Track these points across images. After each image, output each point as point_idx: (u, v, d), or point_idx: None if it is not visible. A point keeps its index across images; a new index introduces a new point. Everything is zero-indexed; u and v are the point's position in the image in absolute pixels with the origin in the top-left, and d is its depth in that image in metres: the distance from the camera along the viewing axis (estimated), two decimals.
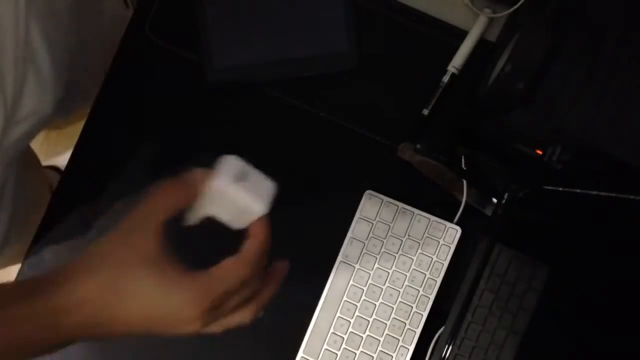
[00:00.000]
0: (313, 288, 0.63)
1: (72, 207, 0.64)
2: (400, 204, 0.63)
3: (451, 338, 0.61)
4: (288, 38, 0.65)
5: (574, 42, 0.52)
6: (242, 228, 0.43)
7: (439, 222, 0.63)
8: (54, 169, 1.12)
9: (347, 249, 0.63)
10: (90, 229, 0.64)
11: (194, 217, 0.44)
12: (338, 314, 0.62)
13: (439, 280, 0.63)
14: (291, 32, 0.65)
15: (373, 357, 0.62)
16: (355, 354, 0.62)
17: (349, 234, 0.63)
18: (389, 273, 0.63)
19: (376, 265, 0.63)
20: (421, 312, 0.62)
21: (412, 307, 0.62)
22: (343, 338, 0.62)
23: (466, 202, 0.63)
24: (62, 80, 0.60)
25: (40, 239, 0.64)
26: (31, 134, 0.59)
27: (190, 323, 0.40)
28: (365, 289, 0.63)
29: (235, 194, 0.40)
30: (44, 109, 0.57)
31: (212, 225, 0.45)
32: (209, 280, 0.41)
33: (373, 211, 0.63)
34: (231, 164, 0.41)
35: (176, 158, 0.65)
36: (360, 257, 0.63)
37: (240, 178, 0.40)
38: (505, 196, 0.59)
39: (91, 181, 0.65)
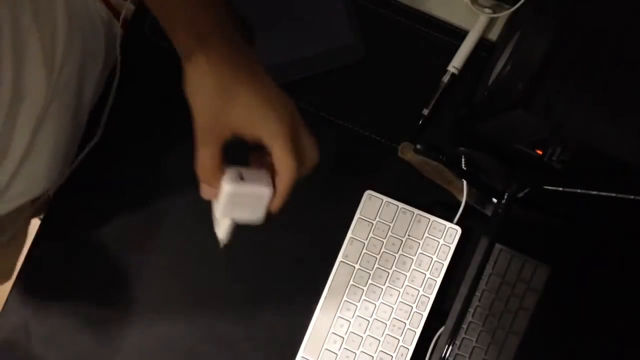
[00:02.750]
0: (313, 288, 0.63)
1: (72, 207, 0.64)
2: (400, 204, 0.63)
3: (451, 338, 0.61)
4: (293, 39, 0.65)
5: (574, 42, 0.52)
6: (263, 217, 0.51)
7: (439, 222, 0.63)
8: None
9: (347, 249, 0.63)
10: (90, 228, 0.64)
11: (223, 233, 0.52)
12: (338, 314, 0.62)
13: (439, 280, 0.62)
14: (295, 33, 0.65)
15: (373, 357, 0.62)
16: (355, 354, 0.62)
17: (349, 234, 0.63)
18: (388, 273, 0.63)
19: (376, 266, 0.63)
20: (421, 312, 0.62)
21: (412, 307, 0.62)
22: (343, 338, 0.62)
23: (466, 202, 0.63)
24: (58, 168, 0.62)
25: (40, 239, 0.64)
26: (17, 208, 0.60)
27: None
28: (365, 289, 0.63)
29: (242, 189, 0.48)
30: (34, 191, 0.60)
31: None
32: None
33: (373, 211, 0.63)
34: (232, 173, 0.48)
35: (177, 157, 0.65)
36: (360, 257, 0.63)
37: (241, 178, 0.48)
38: (505, 196, 0.59)
39: (91, 181, 0.65)
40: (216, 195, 0.49)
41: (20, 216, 0.65)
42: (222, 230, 0.52)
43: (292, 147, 0.46)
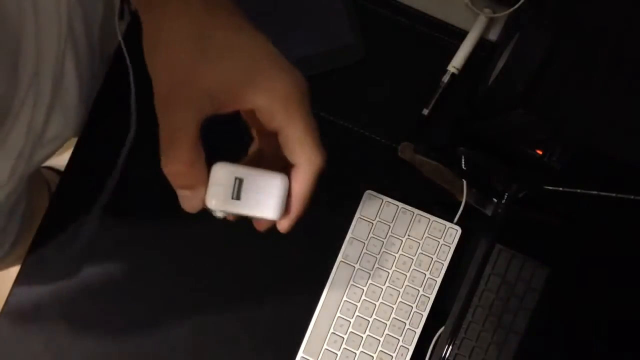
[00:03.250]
0: (313, 288, 0.63)
1: (72, 207, 0.64)
2: (400, 204, 0.63)
3: (451, 338, 0.61)
4: (293, 39, 0.65)
5: (574, 42, 0.52)
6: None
7: (439, 222, 0.63)
8: (53, 170, 1.12)
9: (347, 249, 0.63)
10: (89, 229, 0.64)
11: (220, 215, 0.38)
12: (338, 314, 0.62)
13: (439, 280, 0.62)
14: (295, 33, 0.65)
15: (373, 357, 0.62)
16: (355, 354, 0.62)
17: (349, 234, 0.63)
18: (389, 273, 0.63)
19: (376, 266, 0.63)
20: (421, 312, 0.62)
21: (412, 307, 0.62)
22: (343, 338, 0.62)
23: (466, 202, 0.63)
24: (86, 106, 0.62)
25: (40, 238, 0.64)
26: (52, 155, 0.60)
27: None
28: (365, 289, 0.63)
29: (239, 211, 0.34)
30: (68, 132, 0.59)
31: None
32: None
33: (373, 211, 0.63)
34: (223, 177, 0.33)
35: None
36: (360, 257, 0.63)
37: (237, 192, 0.33)
38: (505, 196, 0.59)
39: (91, 181, 0.65)
40: (203, 204, 0.33)
41: (37, 194, 0.65)
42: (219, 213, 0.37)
43: (313, 126, 0.33)
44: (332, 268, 0.63)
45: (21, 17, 0.47)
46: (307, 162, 0.33)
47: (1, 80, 0.45)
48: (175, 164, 0.32)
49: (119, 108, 0.65)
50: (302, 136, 0.32)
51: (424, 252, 0.63)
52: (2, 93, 0.46)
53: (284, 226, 0.36)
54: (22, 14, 0.47)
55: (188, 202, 0.34)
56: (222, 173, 0.33)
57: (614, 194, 0.55)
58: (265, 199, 0.33)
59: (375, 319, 0.62)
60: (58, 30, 0.52)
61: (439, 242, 0.63)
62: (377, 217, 0.63)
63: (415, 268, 0.63)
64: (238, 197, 0.33)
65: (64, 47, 0.54)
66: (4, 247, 0.65)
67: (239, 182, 0.33)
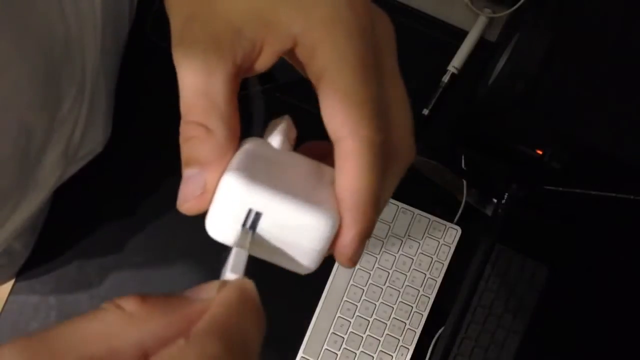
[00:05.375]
0: (313, 288, 0.63)
1: (73, 208, 0.65)
2: (400, 204, 0.63)
3: (451, 338, 0.61)
4: None
5: (574, 42, 0.52)
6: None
7: (439, 222, 0.63)
8: None
9: None
10: (90, 231, 0.64)
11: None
12: (338, 314, 0.62)
13: (439, 280, 0.62)
14: None
15: (373, 357, 0.62)
16: (355, 354, 0.62)
17: None
18: (389, 273, 0.63)
19: (376, 265, 0.63)
20: (421, 312, 0.62)
21: (412, 307, 0.62)
22: (343, 338, 0.62)
23: (466, 202, 0.63)
24: (111, 120, 0.62)
25: (41, 239, 0.64)
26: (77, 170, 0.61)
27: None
28: (365, 289, 0.63)
29: (251, 251, 0.22)
30: (97, 148, 0.59)
31: None
32: None
33: None
34: (231, 198, 0.21)
35: (176, 160, 0.65)
36: (360, 257, 0.63)
37: (250, 223, 0.22)
38: (505, 196, 0.59)
39: (91, 184, 0.65)
40: (210, 202, 0.22)
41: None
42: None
43: (375, 86, 0.22)
44: (332, 268, 0.63)
45: (69, 32, 0.48)
46: (354, 135, 0.20)
47: (40, 94, 0.45)
48: (186, 122, 0.22)
49: (120, 108, 0.65)
50: (352, 86, 0.20)
51: (424, 252, 0.63)
52: (43, 106, 0.46)
53: (348, 251, 0.23)
54: (69, 29, 0.48)
55: (187, 189, 0.23)
56: (233, 193, 0.20)
57: (614, 194, 0.55)
58: (294, 242, 0.21)
59: (375, 319, 0.62)
60: (95, 44, 0.53)
61: (439, 242, 0.63)
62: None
63: (415, 268, 0.63)
64: (252, 229, 0.20)
65: (99, 63, 0.54)
66: (20, 263, 0.65)
67: (256, 215, 0.20)
